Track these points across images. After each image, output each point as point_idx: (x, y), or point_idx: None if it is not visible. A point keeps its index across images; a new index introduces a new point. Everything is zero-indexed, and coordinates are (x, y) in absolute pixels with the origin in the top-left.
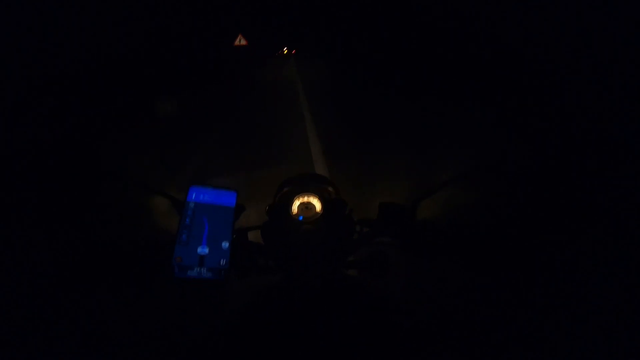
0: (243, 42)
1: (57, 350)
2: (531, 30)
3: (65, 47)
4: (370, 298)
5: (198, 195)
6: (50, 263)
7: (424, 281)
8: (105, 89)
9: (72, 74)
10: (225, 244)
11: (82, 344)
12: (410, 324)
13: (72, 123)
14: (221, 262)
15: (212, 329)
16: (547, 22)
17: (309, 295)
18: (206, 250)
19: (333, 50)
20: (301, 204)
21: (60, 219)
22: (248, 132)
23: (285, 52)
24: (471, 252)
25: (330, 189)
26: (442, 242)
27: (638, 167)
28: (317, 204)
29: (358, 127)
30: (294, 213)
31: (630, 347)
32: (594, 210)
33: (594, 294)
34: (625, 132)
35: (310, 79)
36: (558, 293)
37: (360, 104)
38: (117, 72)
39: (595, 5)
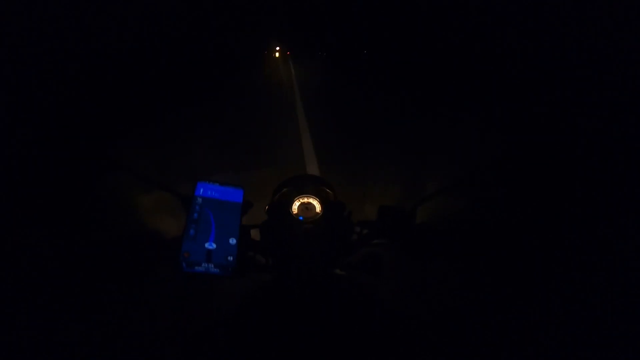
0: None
1: (60, 344)
2: (528, 38)
3: (66, 43)
4: (365, 298)
5: (205, 190)
6: (52, 257)
7: (420, 282)
8: (108, 86)
9: (74, 68)
10: (233, 240)
11: (84, 339)
12: (404, 324)
13: (75, 119)
14: (228, 258)
15: (209, 324)
16: (545, 31)
17: (305, 293)
18: (214, 246)
19: (328, 52)
20: (301, 204)
21: (62, 213)
22: (241, 133)
23: (277, 54)
24: (467, 255)
25: (328, 190)
26: (439, 245)
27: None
28: (317, 205)
29: (351, 130)
30: (294, 213)
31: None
32: (588, 212)
33: (590, 294)
34: (620, 136)
35: (304, 81)
36: (554, 295)
37: (354, 106)
38: (119, 70)
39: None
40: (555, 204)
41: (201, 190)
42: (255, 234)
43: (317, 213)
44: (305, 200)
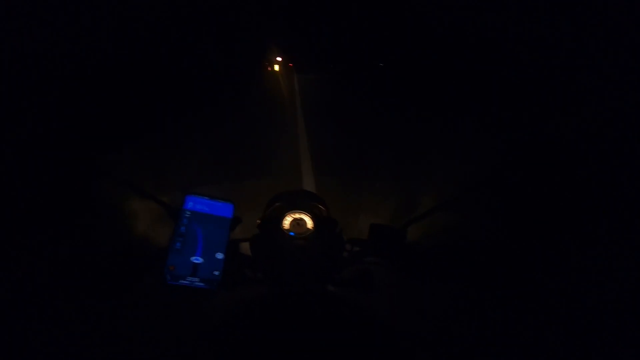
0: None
1: (48, 350)
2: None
3: (62, 46)
4: (356, 314)
5: (194, 204)
6: (40, 264)
7: (411, 297)
8: (105, 93)
9: (67, 73)
10: (220, 255)
11: (69, 346)
12: (396, 339)
13: (66, 124)
14: (214, 273)
15: (199, 338)
16: (543, 34)
17: (295, 308)
18: (200, 260)
19: (329, 64)
20: (293, 220)
21: (51, 220)
22: (239, 142)
23: (277, 66)
24: (459, 271)
25: (321, 206)
26: (430, 262)
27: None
28: (309, 221)
29: (349, 143)
30: (285, 228)
31: None
32: (584, 226)
33: (588, 312)
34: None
35: (306, 93)
36: (550, 310)
37: (354, 119)
38: (115, 78)
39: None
40: (553, 217)
41: (190, 204)
42: (245, 247)
43: (309, 229)
44: (297, 215)
